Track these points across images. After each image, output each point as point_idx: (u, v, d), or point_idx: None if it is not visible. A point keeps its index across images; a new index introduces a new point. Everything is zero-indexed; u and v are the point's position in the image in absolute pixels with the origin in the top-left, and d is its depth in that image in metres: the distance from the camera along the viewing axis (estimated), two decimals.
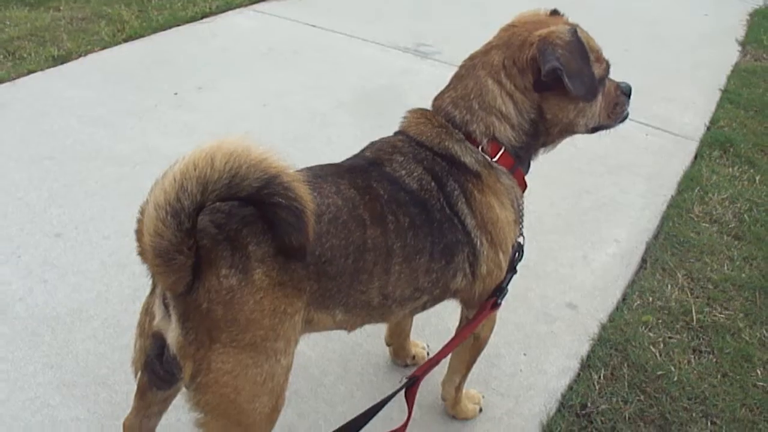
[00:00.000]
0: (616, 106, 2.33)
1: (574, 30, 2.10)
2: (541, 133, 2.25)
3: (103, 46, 5.84)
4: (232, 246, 1.76)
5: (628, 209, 4.21)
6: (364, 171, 2.10)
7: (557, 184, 4.12)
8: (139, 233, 1.69)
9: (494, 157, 2.17)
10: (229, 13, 6.82)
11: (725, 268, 3.74)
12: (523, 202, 2.34)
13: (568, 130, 2.28)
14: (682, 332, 3.28)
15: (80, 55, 5.64)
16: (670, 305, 3.42)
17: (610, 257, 3.76)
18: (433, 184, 2.11)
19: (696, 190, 4.41)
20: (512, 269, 2.34)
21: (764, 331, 3.33)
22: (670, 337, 3.24)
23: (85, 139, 4.43)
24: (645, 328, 3.27)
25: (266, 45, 6.09)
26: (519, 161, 2.25)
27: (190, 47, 6.01)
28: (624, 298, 3.47)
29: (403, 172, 2.11)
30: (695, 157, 4.89)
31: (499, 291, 2.31)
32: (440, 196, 2.11)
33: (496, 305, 2.34)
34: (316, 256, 1.87)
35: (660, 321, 3.33)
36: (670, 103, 5.71)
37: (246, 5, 7.02)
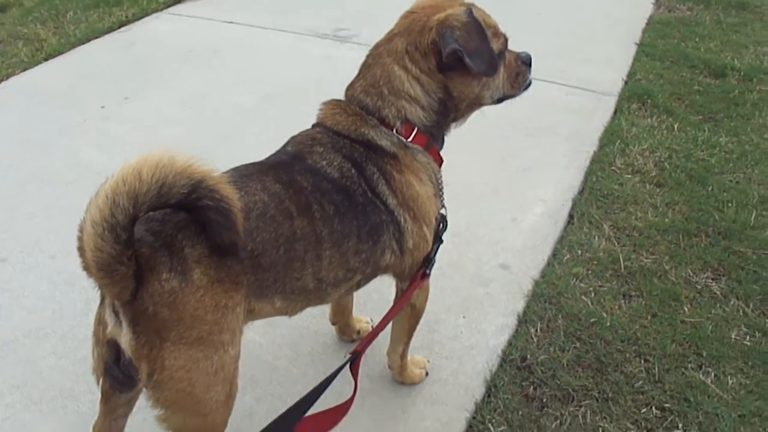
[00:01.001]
0: (518, 75, 2.46)
1: (469, 10, 2.22)
2: (451, 110, 2.37)
3: (24, 67, 5.80)
4: (169, 251, 1.86)
5: (553, 169, 4.36)
6: (287, 165, 2.21)
7: (482, 152, 4.26)
8: (81, 250, 1.77)
9: (408, 137, 2.29)
10: (146, 19, 6.81)
11: (649, 215, 3.92)
12: (441, 176, 2.47)
13: (475, 103, 2.40)
14: (612, 280, 3.46)
15: (2, 80, 5.60)
16: (599, 255, 3.59)
17: (539, 217, 3.91)
18: (353, 170, 2.22)
19: (617, 144, 4.58)
20: (438, 240, 2.47)
21: (689, 271, 3.52)
22: (600, 286, 3.41)
23: (19, 163, 4.44)
24: (576, 280, 3.43)
25: (186, 48, 6.10)
26: (433, 139, 2.37)
27: (111, 58, 6.00)
28: (554, 254, 3.62)
29: (324, 162, 2.22)
30: (615, 112, 5.05)
31: (428, 261, 2.45)
32: (361, 180, 2.22)
33: (425, 275, 2.47)
34: (249, 251, 1.98)
35: (590, 272, 3.49)
36: (589, 62, 5.86)
37: (161, 9, 7.00)
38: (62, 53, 6.08)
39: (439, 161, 2.45)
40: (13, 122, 4.97)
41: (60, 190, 4.15)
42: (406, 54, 2.27)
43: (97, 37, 6.39)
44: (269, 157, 2.32)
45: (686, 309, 3.30)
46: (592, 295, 3.35)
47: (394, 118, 2.29)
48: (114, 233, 1.69)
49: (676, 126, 4.86)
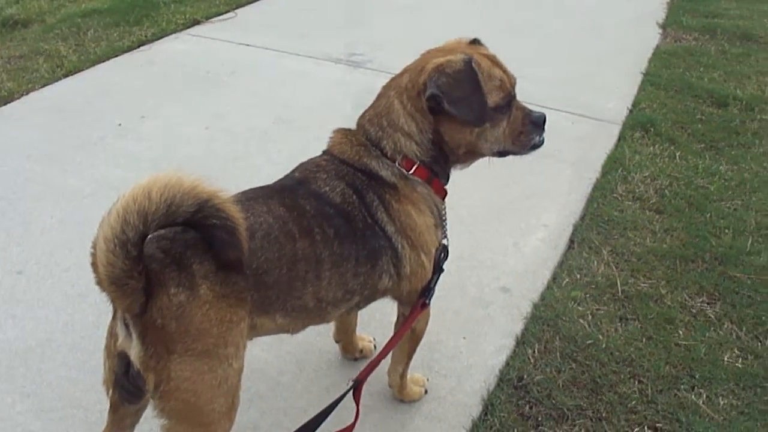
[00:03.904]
0: (521, 134, 2.48)
1: (468, 59, 2.32)
2: (448, 153, 2.48)
3: (44, 83, 5.94)
4: (178, 267, 1.98)
5: (556, 195, 4.47)
6: (292, 190, 2.35)
7: (487, 178, 4.28)
8: (94, 265, 1.89)
9: (410, 170, 2.42)
10: (165, 39, 6.96)
11: (647, 240, 4.01)
12: (444, 208, 2.60)
13: (473, 151, 2.49)
14: (609, 303, 3.56)
15: (22, 94, 5.74)
16: (597, 280, 3.69)
17: (540, 241, 4.02)
18: (354, 197, 2.36)
19: (619, 171, 4.68)
20: (438, 269, 2.59)
21: (685, 295, 3.61)
22: (597, 309, 3.51)
23: (36, 177, 4.56)
24: (574, 303, 3.53)
25: (203, 68, 6.24)
26: (434, 173, 2.49)
27: (129, 76, 6.14)
28: (554, 278, 3.73)
29: (327, 188, 2.35)
30: (618, 140, 5.15)
31: (427, 291, 2.58)
32: (361, 207, 2.35)
33: (425, 305, 2.60)
34: (254, 269, 2.11)
35: (588, 295, 3.60)
36: (596, 90, 5.96)
37: (180, 30, 7.16)
38: (82, 70, 6.23)
39: (443, 194, 2.57)
40: (31, 136, 5.09)
41: (75, 204, 4.27)
42: (406, 91, 2.40)
43: (116, 56, 6.55)
44: (276, 182, 2.45)
45: (681, 332, 3.38)
46: (590, 317, 3.44)
47: (392, 150, 2.41)
48: (125, 249, 1.81)
49: (677, 154, 4.95)
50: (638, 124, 5.35)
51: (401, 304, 2.70)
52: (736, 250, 3.94)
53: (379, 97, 2.51)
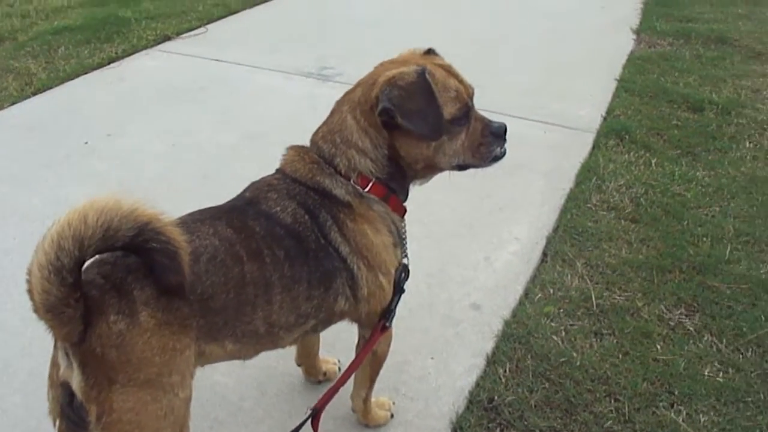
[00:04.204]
0: (481, 146, 2.39)
1: (421, 70, 2.23)
2: (405, 168, 2.38)
3: (12, 101, 5.87)
4: (118, 293, 1.90)
5: (528, 207, 4.38)
6: (241, 210, 2.26)
7: (457, 190, 4.29)
8: (29, 292, 1.80)
9: (365, 188, 2.32)
10: (136, 55, 6.90)
11: (623, 252, 3.94)
12: (403, 226, 2.50)
13: (431, 166, 2.40)
14: (583, 318, 3.47)
15: None
16: (571, 294, 3.61)
17: (512, 255, 3.93)
18: (306, 217, 2.26)
19: (593, 180, 4.61)
20: (399, 290, 2.49)
21: (662, 308, 3.53)
22: (571, 324, 3.42)
23: (0, 197, 4.48)
24: (547, 319, 3.44)
25: (172, 84, 6.17)
26: (392, 190, 2.39)
27: (98, 94, 6.06)
28: (526, 293, 3.63)
29: (278, 208, 2.26)
30: (592, 148, 5.08)
31: (388, 313, 2.48)
32: (314, 227, 2.26)
33: (385, 328, 2.50)
34: (198, 294, 2.01)
35: (561, 310, 3.51)
36: (568, 98, 5.92)
37: (151, 46, 7.10)
38: (51, 88, 6.16)
39: (401, 212, 2.47)
40: None
41: (36, 225, 4.11)
42: (359, 105, 2.31)
43: (86, 73, 6.48)
44: (226, 202, 2.36)
45: (659, 346, 3.30)
46: (563, 334, 3.36)
47: (346, 167, 2.32)
48: (60, 276, 1.73)
49: (653, 161, 4.90)
50: (612, 131, 5.30)
51: (361, 327, 2.60)
52: (714, 259, 3.86)
53: (333, 112, 2.42)
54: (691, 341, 3.33)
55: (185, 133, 5.31)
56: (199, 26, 7.69)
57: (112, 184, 4.57)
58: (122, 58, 6.83)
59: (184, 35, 7.44)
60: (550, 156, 4.99)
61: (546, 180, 4.69)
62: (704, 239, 4.04)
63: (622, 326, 3.41)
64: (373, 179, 2.33)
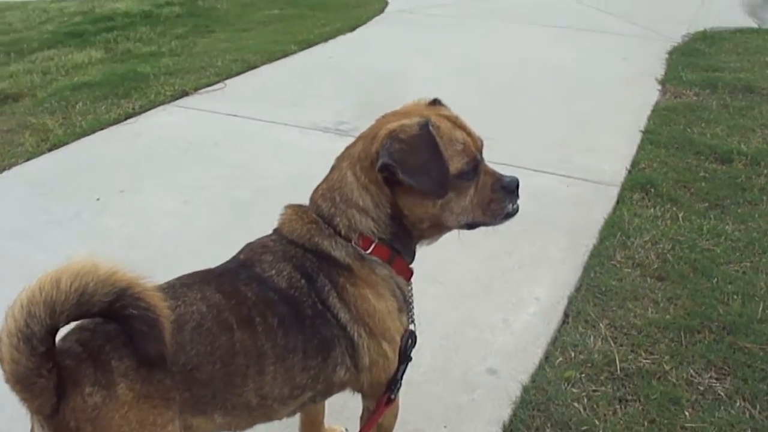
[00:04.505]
0: (491, 203, 2.24)
1: (424, 122, 2.10)
2: (410, 228, 2.24)
3: (28, 157, 5.85)
4: (94, 363, 1.78)
5: (549, 265, 4.21)
6: (234, 274, 2.13)
7: (475, 248, 4.14)
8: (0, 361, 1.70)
9: (367, 249, 2.18)
10: (153, 111, 6.87)
11: (649, 311, 3.74)
12: (410, 290, 2.34)
13: (438, 225, 2.25)
14: (607, 383, 3.27)
15: (4, 168, 5.65)
16: (593, 357, 3.42)
17: (531, 316, 3.75)
18: (303, 281, 2.12)
19: (618, 236, 4.43)
20: (406, 358, 2.32)
21: (691, 371, 3.33)
22: (594, 390, 3.23)
23: (8, 253, 4.41)
24: (568, 385, 3.25)
25: (187, 140, 6.11)
26: (396, 251, 2.24)
27: (113, 149, 6.02)
28: (546, 357, 3.45)
29: (273, 271, 2.13)
30: (617, 203, 4.91)
31: (393, 384, 2.31)
32: (311, 292, 2.12)
33: (390, 401, 2.33)
34: (182, 365, 1.88)
35: (583, 375, 3.31)
36: (591, 151, 5.76)
37: (169, 102, 7.07)
38: (67, 143, 6.13)
39: (407, 275, 2.31)
40: (8, 212, 4.97)
41: None
42: (359, 161, 2.19)
43: (102, 128, 6.45)
44: (219, 265, 2.23)
45: (687, 413, 3.10)
46: (585, 400, 3.16)
47: (346, 228, 2.18)
48: (30, 345, 1.64)
49: (680, 215, 4.71)
50: (638, 184, 5.12)
51: (364, 398, 2.43)
52: (746, 318, 3.66)
53: (333, 169, 2.30)
54: (722, 407, 3.12)
55: (198, 189, 5.22)
56: (218, 81, 7.66)
57: (119, 242, 4.50)
58: (139, 113, 6.80)
59: (202, 90, 7.42)
60: (572, 211, 4.82)
61: (568, 236, 4.51)
62: (735, 297, 3.84)
63: (648, 391, 3.21)
64: (376, 240, 2.19)
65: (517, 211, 2.31)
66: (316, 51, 8.99)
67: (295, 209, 2.30)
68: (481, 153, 2.25)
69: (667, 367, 3.36)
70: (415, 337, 2.36)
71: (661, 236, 4.45)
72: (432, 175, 2.09)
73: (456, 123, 2.23)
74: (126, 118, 6.69)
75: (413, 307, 2.36)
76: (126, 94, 7.28)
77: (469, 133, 2.23)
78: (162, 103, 7.05)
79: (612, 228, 4.55)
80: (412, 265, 2.34)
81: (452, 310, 3.73)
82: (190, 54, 8.86)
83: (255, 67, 8.23)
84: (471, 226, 2.28)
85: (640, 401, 3.17)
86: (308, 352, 2.10)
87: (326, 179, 2.30)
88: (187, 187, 5.27)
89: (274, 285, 2.10)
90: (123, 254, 4.31)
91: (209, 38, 9.78)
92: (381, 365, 2.25)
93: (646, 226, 4.57)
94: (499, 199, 2.25)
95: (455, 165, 2.13)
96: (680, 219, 4.67)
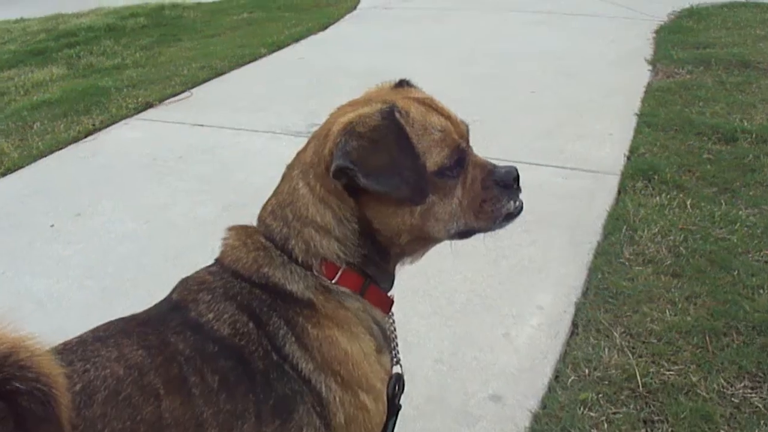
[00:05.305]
0: (485, 203, 1.78)
1: (388, 109, 1.67)
2: (386, 245, 1.79)
3: None
4: None
5: (551, 268, 3.82)
6: (161, 321, 1.68)
7: (468, 255, 3.75)
8: None
9: (332, 278, 1.75)
10: (114, 126, 6.50)
11: (667, 314, 3.36)
12: (391, 323, 1.91)
13: (422, 237, 1.80)
14: (628, 403, 2.88)
15: None
16: (610, 373, 3.02)
17: (536, 329, 3.35)
18: (251, 325, 1.68)
19: (624, 230, 4.05)
20: (394, 410, 1.85)
21: (722, 381, 2.96)
22: (614, 413, 2.83)
23: None
24: (584, 408, 2.85)
25: (150, 155, 5.72)
26: (369, 277, 1.80)
27: (70, 171, 5.64)
28: (556, 376, 3.05)
29: (211, 315, 1.68)
30: (619, 193, 4.57)
31: None
32: (262, 339, 1.67)
33: None
34: None
35: (601, 395, 2.91)
36: (585, 138, 5.43)
37: (131, 115, 6.71)
38: (22, 167, 5.77)
39: (386, 305, 1.87)
40: None
41: None
42: (312, 167, 1.74)
43: (60, 148, 6.08)
44: (147, 309, 1.77)
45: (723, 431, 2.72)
46: (605, 426, 2.76)
47: (303, 253, 1.73)
48: None
49: (688, 202, 4.34)
50: (639, 172, 4.77)
51: None
52: None
53: (283, 179, 1.85)
54: (762, 421, 2.75)
55: (160, 208, 4.83)
56: (183, 91, 7.31)
57: (76, 272, 4.13)
58: (99, 129, 6.43)
59: (167, 101, 7.06)
60: (572, 205, 4.45)
61: (570, 234, 4.12)
62: (760, 291, 3.48)
63: (677, 409, 2.82)
64: (343, 266, 1.75)
65: (521, 209, 1.84)
66: (286, 53, 8.68)
67: (240, 232, 1.85)
68: (467, 141, 1.80)
69: (694, 379, 2.98)
70: (403, 381, 1.90)
71: (670, 227, 4.07)
72: (403, 176, 1.64)
73: (430, 106, 1.78)
74: (86, 136, 6.30)
75: (397, 344, 1.92)
76: (86, 110, 6.92)
77: (448, 117, 1.78)
78: (124, 117, 6.67)
79: (616, 221, 4.18)
80: (391, 293, 1.89)
81: (445, 328, 3.32)
82: (155, 64, 8.51)
83: (222, 73, 7.89)
84: (464, 234, 1.82)
85: (668, 421, 2.79)
86: (262, 416, 1.64)
87: (275, 192, 1.85)
88: (148, 206, 4.88)
89: (214, 333, 1.65)
90: (77, 285, 3.98)
91: (176, 47, 9.44)
92: (361, 421, 1.77)
93: (653, 216, 4.19)
94: (494, 197, 1.78)
95: (434, 159, 1.69)
96: (689, 206, 4.31)
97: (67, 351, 1.55)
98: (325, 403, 1.70)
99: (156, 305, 1.77)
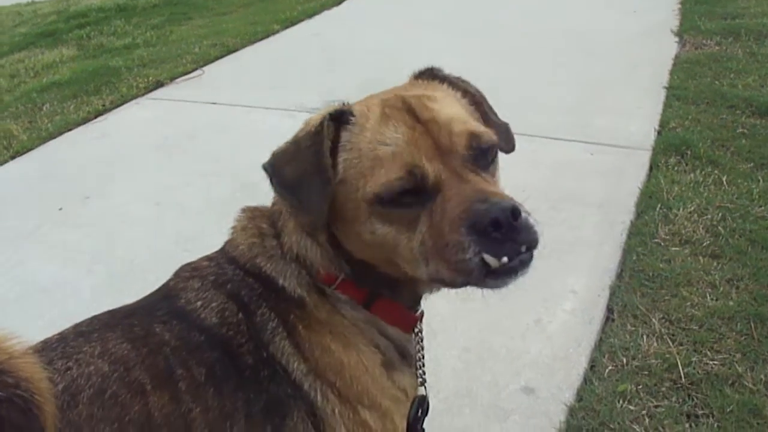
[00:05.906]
0: (445, 248, 1.39)
1: (330, 116, 1.49)
2: (378, 268, 1.57)
3: None
4: None
5: (583, 248, 3.61)
6: (149, 311, 1.53)
7: None
8: None
9: (331, 284, 1.57)
10: (124, 106, 6.35)
11: (708, 299, 3.16)
12: (417, 339, 1.70)
13: (406, 272, 1.52)
14: (670, 395, 2.70)
15: None
16: (650, 362, 2.83)
17: (569, 314, 3.15)
18: (240, 315, 1.51)
19: (658, 208, 3.84)
20: None
21: None
22: (655, 406, 2.65)
23: None
24: (623, 401, 2.67)
25: (161, 135, 5.56)
26: (375, 291, 1.60)
27: (78, 153, 5.49)
28: (592, 366, 2.86)
29: (199, 303, 1.52)
30: (650, 169, 4.35)
31: None
32: (251, 331, 1.51)
33: None
34: None
35: (640, 386, 2.73)
36: (613, 112, 5.22)
37: (142, 95, 6.56)
38: (31, 149, 5.66)
39: (405, 323, 1.66)
40: None
41: None
42: None
43: (69, 130, 5.95)
44: (141, 298, 1.62)
45: None
46: (647, 420, 2.58)
47: (297, 246, 1.59)
48: None
49: (724, 179, 4.13)
50: (671, 147, 4.54)
51: None
52: None
53: None
54: None
55: (171, 189, 4.67)
56: (195, 69, 7.13)
57: (83, 258, 3.99)
58: (109, 110, 6.28)
59: (178, 79, 6.88)
60: (601, 183, 4.23)
61: (601, 213, 3.91)
62: None
63: (722, 402, 2.63)
64: (341, 276, 1.57)
65: (518, 266, 1.44)
66: (299, 28, 8.46)
67: (248, 214, 1.68)
68: (446, 160, 1.45)
69: (740, 369, 2.78)
70: (428, 403, 1.67)
71: (707, 205, 3.86)
72: (312, 195, 1.45)
73: (409, 110, 1.49)
74: (96, 117, 6.16)
75: (423, 364, 1.70)
76: (96, 90, 6.77)
77: (412, 127, 1.46)
78: (135, 96, 6.51)
79: (649, 199, 3.96)
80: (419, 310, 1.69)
81: (473, 314, 3.13)
82: (166, 43, 8.33)
83: (235, 50, 7.69)
84: (440, 282, 1.49)
85: (713, 416, 2.60)
86: (253, 417, 1.46)
87: None
88: (158, 187, 4.72)
89: (201, 321, 1.49)
90: (85, 270, 3.84)
91: (187, 25, 9.26)
92: None
93: (688, 194, 3.98)
94: (457, 243, 1.37)
95: (374, 181, 1.42)
96: (725, 183, 4.09)
97: (47, 349, 1.41)
98: (319, 414, 1.52)
99: (151, 293, 1.63)
